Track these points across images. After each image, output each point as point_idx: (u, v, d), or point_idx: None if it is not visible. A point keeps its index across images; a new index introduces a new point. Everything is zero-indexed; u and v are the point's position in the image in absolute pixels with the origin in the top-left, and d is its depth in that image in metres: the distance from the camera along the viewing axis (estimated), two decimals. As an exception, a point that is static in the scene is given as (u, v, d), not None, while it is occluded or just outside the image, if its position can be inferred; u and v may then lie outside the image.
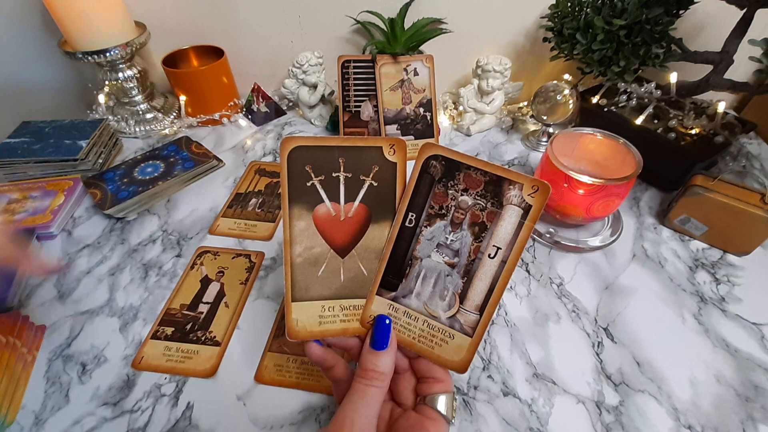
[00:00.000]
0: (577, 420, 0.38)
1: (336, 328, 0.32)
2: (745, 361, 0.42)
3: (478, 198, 0.31)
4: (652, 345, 0.43)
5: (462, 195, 0.31)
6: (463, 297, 0.31)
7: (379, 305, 0.32)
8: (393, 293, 0.32)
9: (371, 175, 0.32)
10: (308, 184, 0.31)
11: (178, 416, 0.38)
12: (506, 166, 0.30)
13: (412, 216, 0.32)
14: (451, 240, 0.31)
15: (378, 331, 0.31)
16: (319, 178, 0.32)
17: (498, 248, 0.31)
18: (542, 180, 0.29)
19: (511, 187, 0.30)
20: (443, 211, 0.31)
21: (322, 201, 0.32)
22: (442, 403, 0.30)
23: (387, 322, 0.31)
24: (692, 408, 0.39)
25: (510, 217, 0.30)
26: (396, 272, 0.32)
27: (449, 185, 0.31)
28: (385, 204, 0.32)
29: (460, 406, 0.39)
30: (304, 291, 0.32)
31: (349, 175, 0.32)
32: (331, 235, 0.32)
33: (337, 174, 0.32)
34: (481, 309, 0.31)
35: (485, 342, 0.44)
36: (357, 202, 0.32)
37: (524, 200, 0.30)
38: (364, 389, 0.28)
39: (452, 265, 0.31)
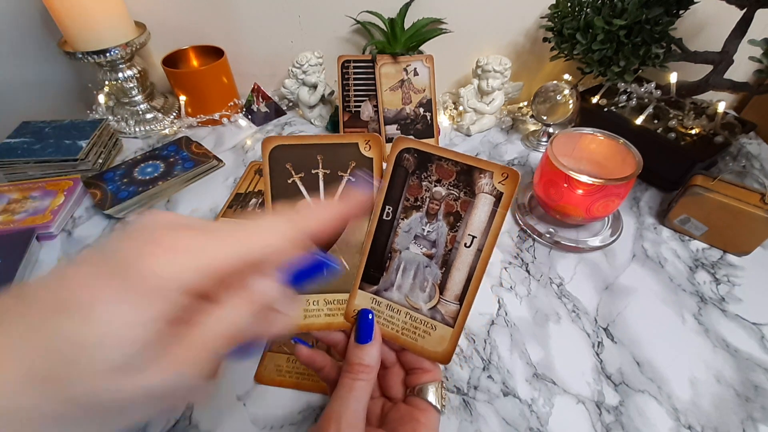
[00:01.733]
0: (577, 420, 0.38)
1: (321, 322, 0.32)
2: (745, 361, 0.42)
3: (451, 188, 0.31)
4: (652, 345, 0.43)
5: (435, 186, 0.32)
6: (442, 287, 0.32)
7: (362, 299, 0.32)
8: (375, 287, 0.33)
9: (349, 171, 0.33)
10: (289, 181, 0.32)
11: (178, 416, 0.38)
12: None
13: (389, 209, 0.32)
14: (428, 231, 0.32)
15: (362, 325, 0.31)
16: (300, 175, 0.33)
17: (473, 237, 0.31)
18: (511, 167, 0.30)
19: (482, 175, 0.30)
20: (419, 203, 0.32)
21: (303, 197, 0.33)
22: (431, 393, 0.30)
23: (370, 316, 0.31)
24: (692, 408, 0.39)
25: (483, 205, 0.31)
26: (377, 266, 0.33)
27: (423, 177, 0.32)
28: None
29: (460, 406, 0.39)
30: None
31: (328, 172, 0.33)
32: None
33: (316, 171, 0.33)
34: (461, 299, 0.31)
35: (485, 342, 0.44)
36: (336, 198, 0.33)
37: (495, 188, 0.30)
38: (352, 383, 0.28)
39: (430, 256, 0.32)
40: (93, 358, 0.15)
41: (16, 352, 0.15)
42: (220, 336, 0.18)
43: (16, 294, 0.17)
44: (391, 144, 0.32)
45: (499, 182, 0.30)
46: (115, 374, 0.16)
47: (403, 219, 0.32)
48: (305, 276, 0.22)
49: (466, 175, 0.31)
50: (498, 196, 0.30)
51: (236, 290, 0.19)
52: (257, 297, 0.19)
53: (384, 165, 0.33)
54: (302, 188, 0.33)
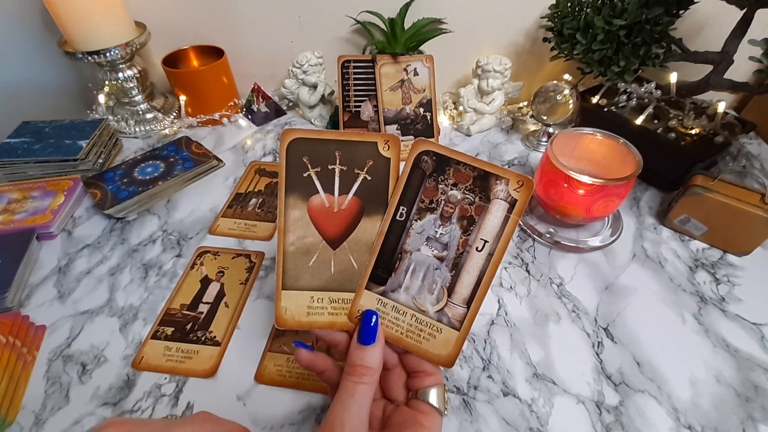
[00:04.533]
0: (577, 420, 0.38)
1: (323, 321, 0.32)
2: (745, 361, 0.42)
3: (467, 192, 0.32)
4: (652, 345, 0.43)
5: (452, 189, 0.32)
6: (451, 290, 0.32)
7: (368, 300, 0.32)
8: (382, 287, 0.32)
9: (365, 169, 0.33)
10: (305, 174, 0.32)
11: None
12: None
13: (403, 209, 0.32)
14: (441, 233, 0.32)
15: (365, 327, 0.31)
16: (316, 169, 0.32)
17: (485, 241, 0.31)
18: (526, 176, 0.30)
19: (498, 182, 0.31)
20: (433, 205, 0.32)
21: (317, 192, 0.33)
22: (433, 396, 0.30)
23: (374, 318, 0.31)
24: (692, 408, 0.39)
25: (497, 210, 0.31)
26: (385, 266, 0.32)
27: (439, 180, 0.32)
28: (377, 198, 0.33)
29: (460, 406, 0.39)
30: (294, 280, 0.33)
31: (344, 168, 0.32)
32: (324, 225, 0.33)
33: (332, 166, 0.32)
34: (469, 302, 0.32)
35: (485, 342, 0.44)
36: (350, 195, 0.33)
37: (510, 195, 0.31)
38: (354, 387, 0.28)
39: (441, 259, 0.32)
40: None
41: None
42: None
43: None
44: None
45: (514, 189, 0.31)
46: None
47: (416, 220, 0.32)
48: None
49: (482, 180, 0.31)
50: (512, 203, 0.31)
51: None
52: None
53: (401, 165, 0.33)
54: (317, 183, 0.33)
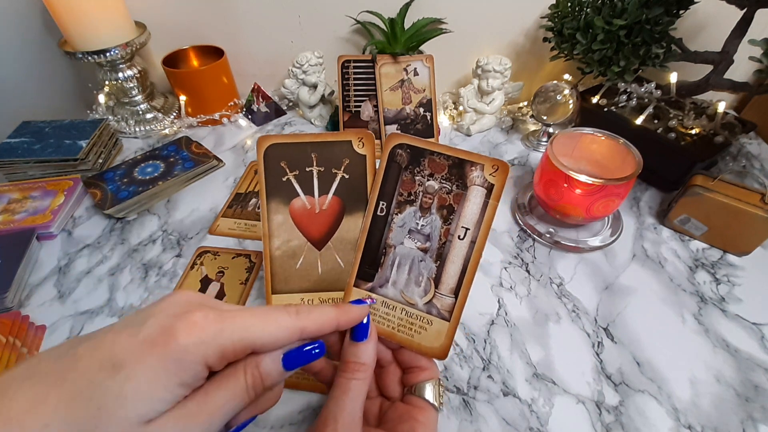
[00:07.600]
0: (577, 420, 0.38)
1: None
2: (745, 361, 0.42)
3: (444, 181, 0.32)
4: (652, 345, 0.43)
5: (428, 180, 0.32)
6: (437, 281, 0.32)
7: (357, 297, 0.33)
8: (370, 284, 0.33)
9: (342, 168, 0.33)
10: (284, 179, 0.33)
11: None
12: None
13: (383, 205, 0.33)
14: (422, 225, 0.32)
15: (357, 324, 0.31)
16: (294, 173, 0.33)
17: (467, 229, 0.31)
18: (500, 160, 0.30)
19: (473, 168, 0.31)
20: (412, 198, 0.32)
21: (298, 195, 0.33)
22: (428, 391, 0.30)
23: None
24: (692, 408, 0.39)
25: (475, 197, 0.31)
26: (371, 262, 0.33)
27: (415, 171, 0.32)
28: (357, 195, 0.33)
29: (460, 406, 0.39)
30: (283, 283, 0.33)
31: (322, 169, 0.33)
32: (307, 227, 0.33)
33: (310, 168, 0.33)
34: (456, 291, 0.32)
35: (485, 342, 0.44)
36: (330, 195, 0.33)
37: (486, 180, 0.31)
38: (347, 383, 0.28)
39: (425, 250, 0.32)
40: (129, 411, 0.18)
41: (63, 406, 0.18)
42: (224, 405, 0.21)
43: (58, 354, 0.20)
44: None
45: (490, 174, 0.31)
46: (142, 426, 0.19)
47: (397, 214, 0.32)
48: (299, 362, 0.25)
49: (457, 168, 0.31)
50: (489, 188, 0.31)
51: (238, 366, 0.22)
52: (264, 377, 0.23)
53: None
54: (297, 186, 0.33)
